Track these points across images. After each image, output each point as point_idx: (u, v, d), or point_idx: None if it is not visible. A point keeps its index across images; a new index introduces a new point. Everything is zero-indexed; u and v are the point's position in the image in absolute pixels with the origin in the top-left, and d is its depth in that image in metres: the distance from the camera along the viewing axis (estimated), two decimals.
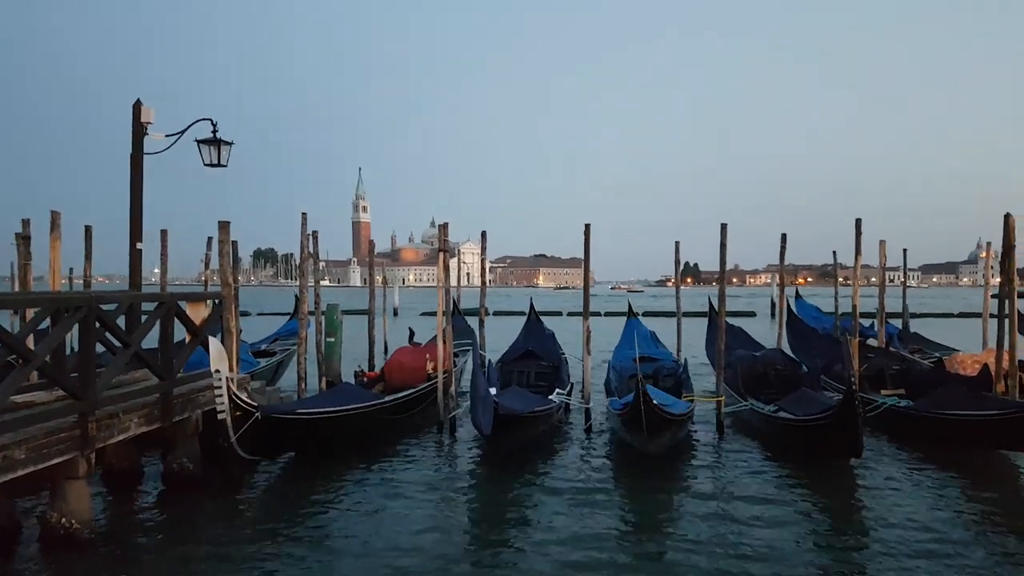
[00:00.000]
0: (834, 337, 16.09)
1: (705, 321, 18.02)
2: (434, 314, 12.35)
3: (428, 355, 12.96)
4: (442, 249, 12.10)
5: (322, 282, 14.66)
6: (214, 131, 10.65)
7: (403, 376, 12.72)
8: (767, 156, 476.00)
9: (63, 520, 6.44)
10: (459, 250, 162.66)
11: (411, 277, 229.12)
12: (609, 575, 6.19)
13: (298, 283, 12.68)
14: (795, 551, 6.68)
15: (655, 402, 9.13)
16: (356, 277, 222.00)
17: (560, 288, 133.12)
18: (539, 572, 6.21)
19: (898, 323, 21.52)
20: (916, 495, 8.37)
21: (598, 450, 10.69)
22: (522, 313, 16.97)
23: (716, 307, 13.38)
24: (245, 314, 36.43)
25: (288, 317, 22.19)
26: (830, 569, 6.27)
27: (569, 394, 12.47)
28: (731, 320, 15.27)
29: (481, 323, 14.21)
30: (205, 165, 10.85)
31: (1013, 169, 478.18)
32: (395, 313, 45.75)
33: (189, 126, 10.61)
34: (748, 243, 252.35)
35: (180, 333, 8.69)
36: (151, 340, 8.38)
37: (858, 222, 12.24)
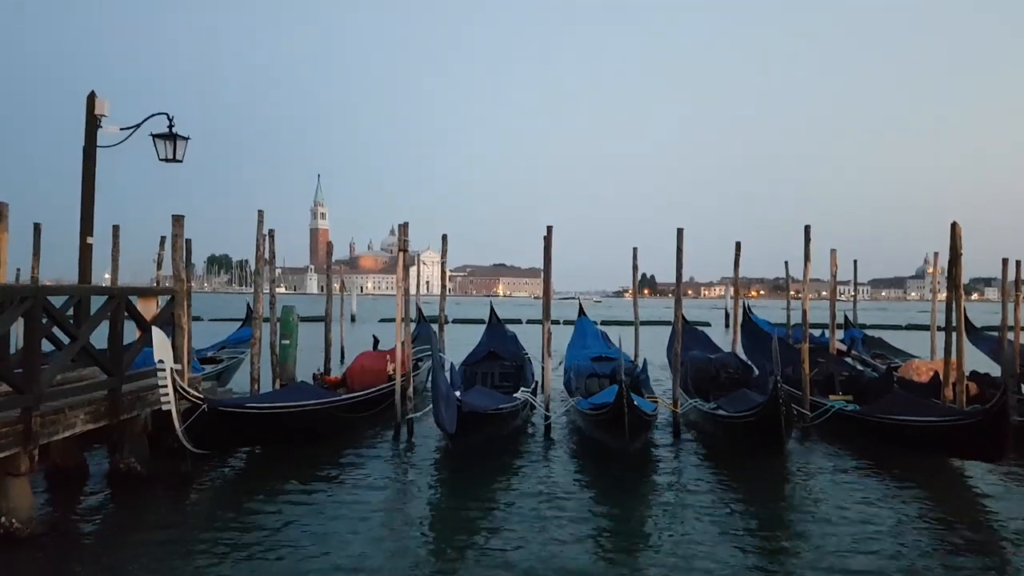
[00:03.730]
0: (785, 342, 16.39)
1: (661, 329, 18.28)
2: (394, 320, 12.21)
3: (389, 357, 12.86)
4: (402, 249, 12.02)
5: (278, 289, 14.42)
6: (170, 125, 10.47)
7: (365, 380, 12.59)
8: (719, 171, 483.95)
9: (3, 518, 6.22)
10: (419, 258, 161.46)
11: (369, 285, 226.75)
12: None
13: (253, 289, 12.33)
14: (735, 546, 6.81)
15: (635, 403, 9.35)
16: (313, 284, 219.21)
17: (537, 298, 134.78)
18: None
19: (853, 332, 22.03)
20: (852, 494, 8.52)
21: (558, 450, 10.77)
22: (483, 321, 17.00)
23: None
24: (197, 319, 35.75)
25: (240, 324, 21.57)
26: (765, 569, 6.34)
27: (534, 392, 12.53)
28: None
29: (441, 328, 14.17)
30: (160, 160, 10.64)
31: (961, 182, 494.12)
32: (352, 319, 45.25)
33: (145, 120, 10.42)
34: (702, 256, 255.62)
35: (131, 336, 8.47)
36: (102, 340, 8.16)
37: (807, 228, 12.50)
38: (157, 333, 7.85)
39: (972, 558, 6.53)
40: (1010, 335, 15.60)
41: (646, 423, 10.11)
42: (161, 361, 7.59)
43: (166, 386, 7.59)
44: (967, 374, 11.92)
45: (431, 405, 9.76)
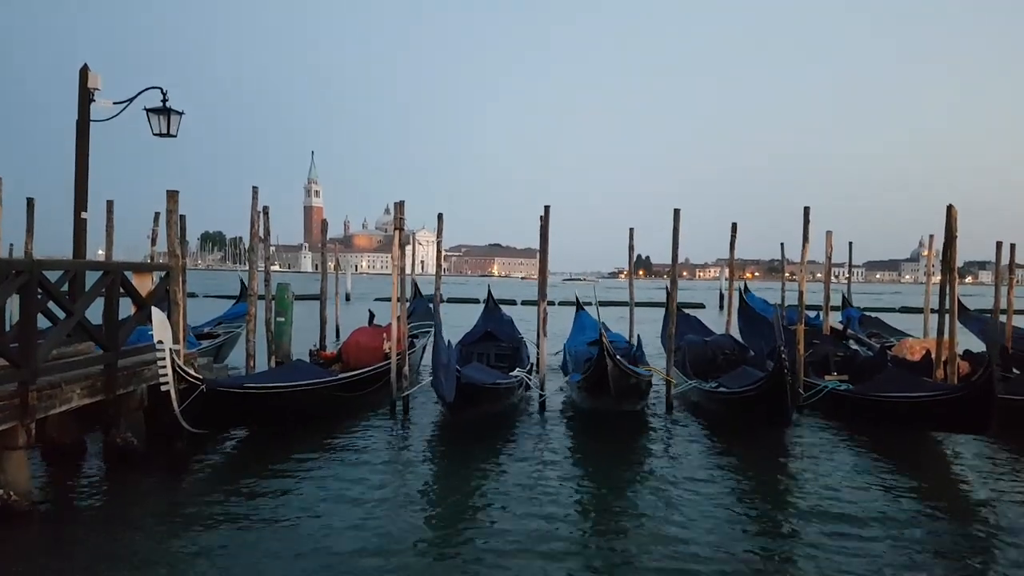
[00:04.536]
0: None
1: (657, 310, 18.28)
2: (389, 299, 12.22)
3: (386, 335, 12.85)
4: (398, 227, 11.98)
5: (272, 267, 14.40)
6: (164, 100, 10.39)
7: (360, 356, 12.57)
8: (715, 155, 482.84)
9: (1, 491, 6.23)
10: (414, 238, 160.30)
11: (364, 264, 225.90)
12: (565, 548, 6.21)
13: (247, 267, 12.35)
14: (728, 520, 6.91)
15: (617, 357, 9.45)
16: (307, 263, 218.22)
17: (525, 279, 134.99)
18: (493, 550, 6.17)
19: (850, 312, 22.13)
20: (841, 470, 8.68)
21: (553, 427, 10.86)
22: (477, 300, 17.05)
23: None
24: (192, 295, 35.66)
25: (235, 300, 21.53)
26: (761, 543, 6.45)
27: (529, 373, 12.61)
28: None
29: (436, 308, 14.20)
30: (154, 135, 10.60)
31: (957, 168, 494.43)
32: (347, 298, 45.15)
33: (138, 94, 10.34)
34: (697, 238, 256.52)
35: (126, 312, 8.45)
36: (98, 316, 8.13)
37: (806, 210, 12.50)
38: (157, 314, 7.83)
39: (958, 527, 6.82)
40: (1001, 316, 15.71)
41: (631, 382, 10.24)
42: (160, 342, 7.56)
43: (165, 367, 7.57)
44: (959, 353, 12.01)
45: (429, 378, 9.83)
